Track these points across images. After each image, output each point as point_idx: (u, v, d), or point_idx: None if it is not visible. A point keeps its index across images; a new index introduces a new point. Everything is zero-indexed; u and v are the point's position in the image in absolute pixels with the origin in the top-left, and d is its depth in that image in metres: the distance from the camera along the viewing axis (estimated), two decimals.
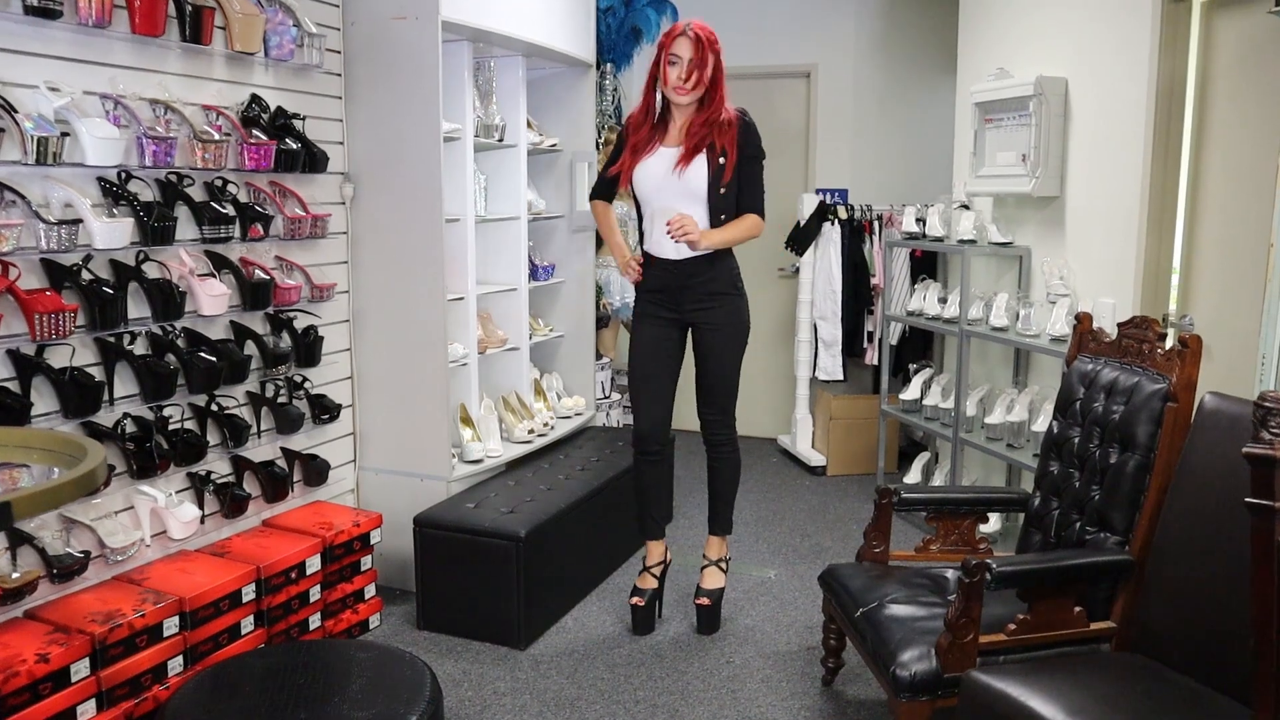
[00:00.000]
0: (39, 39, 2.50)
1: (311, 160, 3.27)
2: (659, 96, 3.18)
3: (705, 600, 3.38)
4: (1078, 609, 2.44)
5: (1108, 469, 2.57)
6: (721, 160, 3.10)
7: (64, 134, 2.49)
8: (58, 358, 2.57)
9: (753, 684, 3.06)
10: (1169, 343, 2.56)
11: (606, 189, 3.39)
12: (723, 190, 3.13)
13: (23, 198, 2.44)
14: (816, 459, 5.35)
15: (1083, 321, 2.89)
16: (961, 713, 2.23)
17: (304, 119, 3.28)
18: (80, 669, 2.42)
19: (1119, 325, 2.74)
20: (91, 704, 2.45)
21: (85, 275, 2.60)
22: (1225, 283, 3.32)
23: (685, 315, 3.27)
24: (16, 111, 2.39)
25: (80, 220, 2.54)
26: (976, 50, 4.53)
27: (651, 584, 3.41)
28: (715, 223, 3.15)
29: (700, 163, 3.11)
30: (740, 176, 3.16)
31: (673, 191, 3.13)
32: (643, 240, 3.30)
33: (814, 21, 5.64)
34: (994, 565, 2.34)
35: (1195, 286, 3.50)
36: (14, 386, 2.49)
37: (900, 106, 5.63)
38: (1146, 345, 2.61)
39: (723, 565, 3.45)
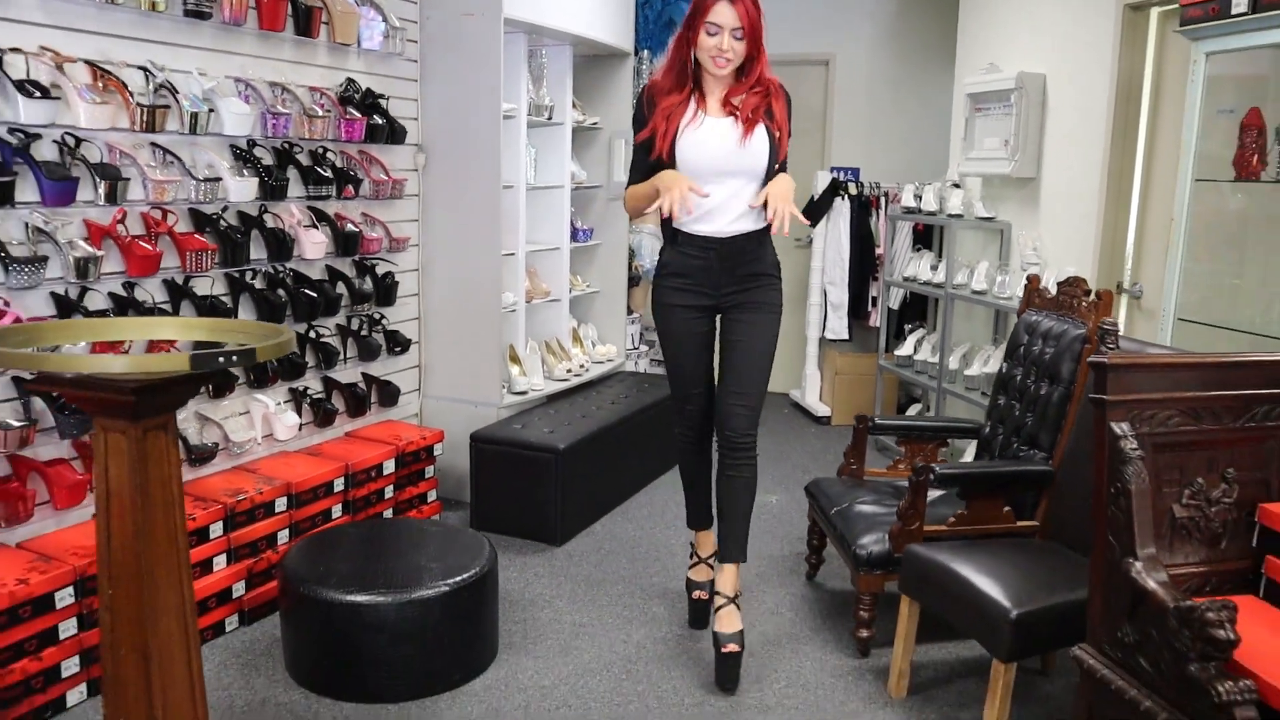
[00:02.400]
0: (193, 35, 3.16)
1: (393, 133, 3.91)
2: (693, 60, 2.84)
3: (735, 646, 2.86)
4: (1007, 509, 3.04)
5: (1038, 399, 3.16)
6: (777, 134, 2.85)
7: (210, 110, 3.14)
8: (200, 287, 3.24)
9: (749, 578, 3.68)
10: (1091, 297, 3.14)
11: (646, 176, 2.92)
12: (777, 166, 2.86)
13: (179, 160, 3.11)
14: (822, 410, 5.96)
15: (1031, 282, 3.47)
16: (904, 576, 2.86)
17: (388, 99, 3.91)
18: (216, 529, 3.10)
19: (1058, 284, 3.32)
20: (223, 558, 3.13)
21: (222, 223, 3.26)
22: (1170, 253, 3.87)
23: (721, 300, 2.94)
24: (177, 92, 3.04)
25: (220, 179, 3.20)
26: (973, 46, 5.09)
27: (709, 574, 3.21)
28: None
29: (762, 135, 2.82)
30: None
31: (732, 167, 2.82)
32: (670, 218, 2.87)
33: (833, 15, 6.19)
34: (937, 468, 2.95)
35: (1146, 256, 4.05)
36: (167, 308, 3.16)
37: (909, 94, 6.17)
38: (1075, 300, 3.19)
39: (739, 602, 2.94)
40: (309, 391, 3.77)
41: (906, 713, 2.81)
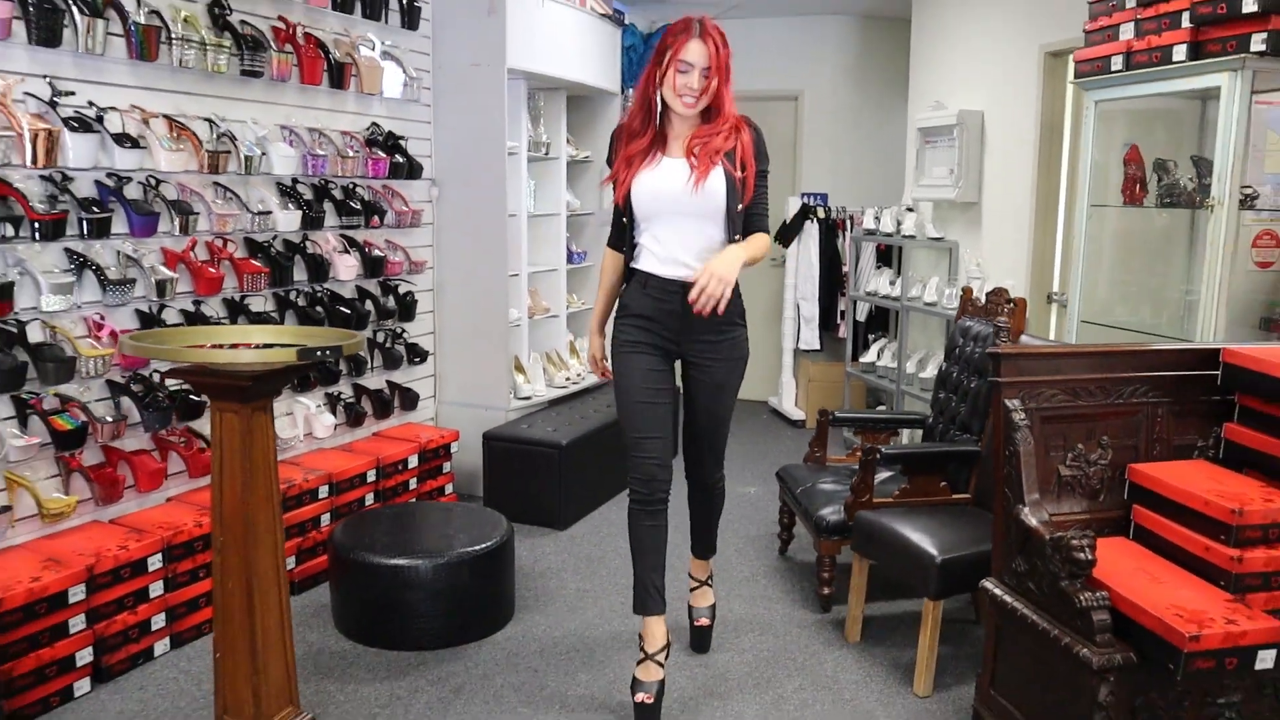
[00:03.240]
0: (247, 90, 3.72)
1: (411, 170, 4.47)
2: (659, 100, 2.78)
3: (706, 620, 3.33)
4: (943, 484, 3.60)
5: (970, 391, 3.73)
6: (740, 174, 2.77)
7: (262, 154, 3.69)
8: (254, 305, 3.78)
9: (729, 553, 4.23)
10: (1009, 305, 3.71)
11: (617, 229, 2.98)
12: (740, 207, 2.79)
13: (237, 196, 3.65)
14: (797, 415, 6.52)
15: (965, 293, 4.05)
16: (855, 537, 3.41)
17: (406, 140, 4.48)
18: None
19: (986, 294, 3.89)
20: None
21: (272, 250, 3.81)
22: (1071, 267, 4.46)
23: (683, 347, 2.88)
24: (236, 140, 3.59)
25: (270, 212, 3.75)
26: (921, 85, 5.70)
27: (658, 675, 2.90)
28: (730, 242, 2.79)
29: (719, 176, 2.74)
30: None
31: (685, 209, 2.77)
32: (633, 257, 2.90)
33: (802, 55, 6.80)
34: (883, 449, 3.51)
35: (1070, 270, 4.63)
36: (226, 322, 3.69)
37: (871, 126, 6.78)
38: (999, 307, 3.76)
39: (710, 582, 3.36)
40: (342, 396, 4.31)
41: (859, 653, 3.35)
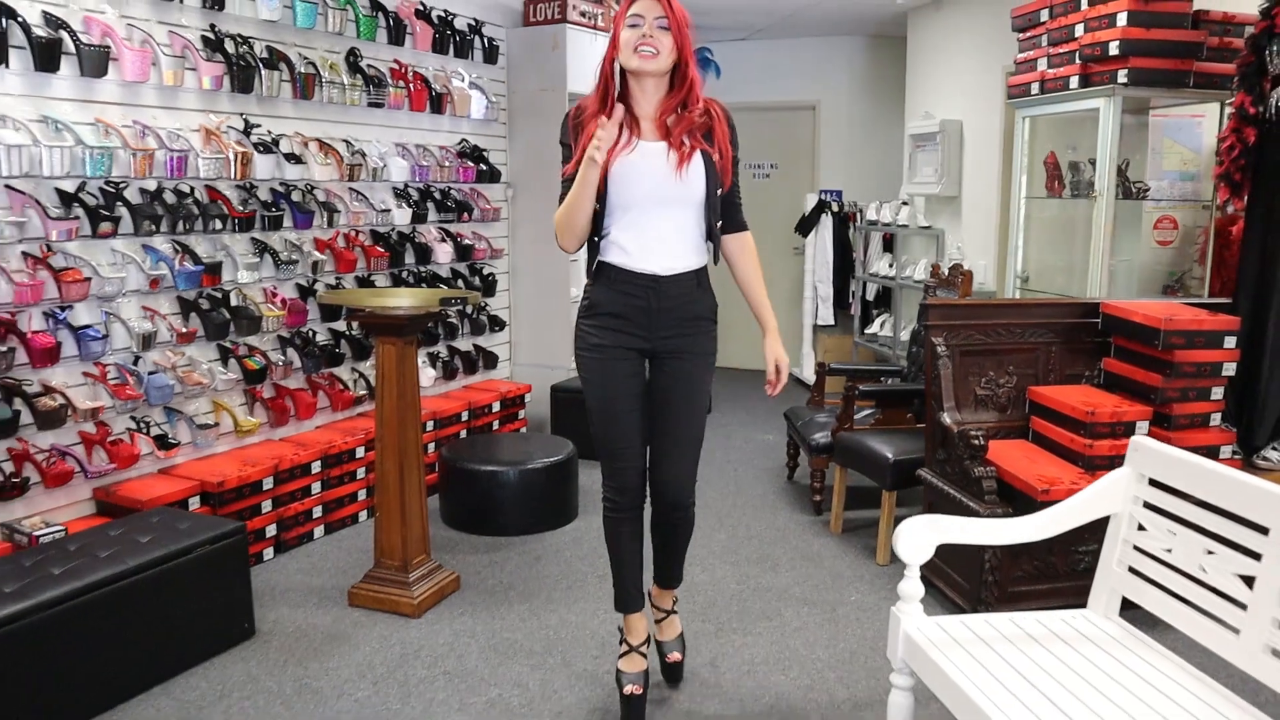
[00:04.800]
0: (371, 117, 4.86)
1: (492, 175, 5.59)
2: (617, 80, 2.63)
3: (677, 655, 3.07)
4: (909, 415, 4.63)
5: None
6: (718, 157, 2.63)
7: (384, 165, 4.83)
8: (378, 281, 4.92)
9: (747, 479, 5.29)
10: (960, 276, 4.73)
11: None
12: (720, 192, 2.66)
13: (366, 198, 4.80)
14: None
15: (934, 269, 5.07)
16: (836, 451, 4.45)
17: (488, 151, 5.60)
18: None
19: (949, 268, 4.91)
20: None
21: (391, 239, 4.96)
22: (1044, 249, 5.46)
23: (655, 344, 2.70)
24: (365, 155, 4.74)
25: (389, 210, 4.89)
26: (914, 98, 6.70)
27: (642, 665, 2.89)
28: (710, 230, 2.69)
29: (699, 161, 2.60)
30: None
31: (669, 196, 2.60)
32: (599, 251, 2.70)
33: (818, 70, 7.83)
34: (861, 387, 4.56)
35: (1030, 252, 5.62)
36: None
37: (878, 131, 7.79)
38: (957, 278, 4.78)
39: (676, 609, 3.10)
40: (440, 355, 5.45)
41: (839, 540, 4.40)
